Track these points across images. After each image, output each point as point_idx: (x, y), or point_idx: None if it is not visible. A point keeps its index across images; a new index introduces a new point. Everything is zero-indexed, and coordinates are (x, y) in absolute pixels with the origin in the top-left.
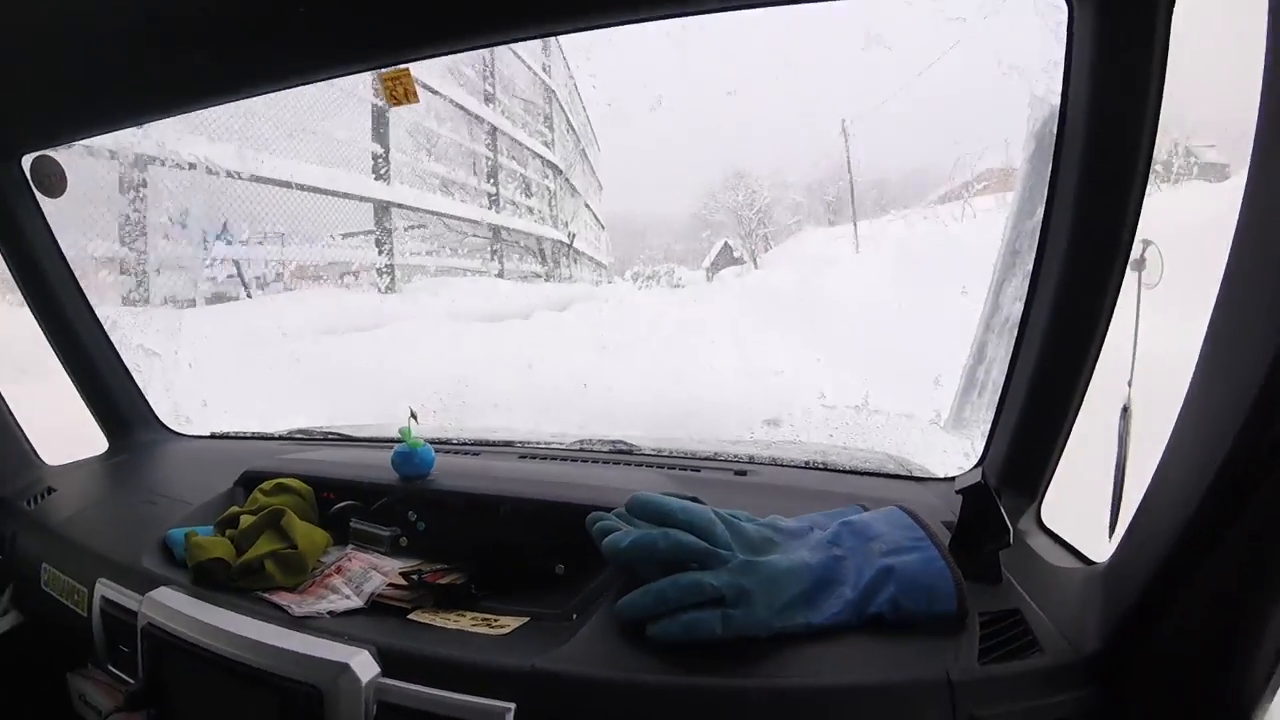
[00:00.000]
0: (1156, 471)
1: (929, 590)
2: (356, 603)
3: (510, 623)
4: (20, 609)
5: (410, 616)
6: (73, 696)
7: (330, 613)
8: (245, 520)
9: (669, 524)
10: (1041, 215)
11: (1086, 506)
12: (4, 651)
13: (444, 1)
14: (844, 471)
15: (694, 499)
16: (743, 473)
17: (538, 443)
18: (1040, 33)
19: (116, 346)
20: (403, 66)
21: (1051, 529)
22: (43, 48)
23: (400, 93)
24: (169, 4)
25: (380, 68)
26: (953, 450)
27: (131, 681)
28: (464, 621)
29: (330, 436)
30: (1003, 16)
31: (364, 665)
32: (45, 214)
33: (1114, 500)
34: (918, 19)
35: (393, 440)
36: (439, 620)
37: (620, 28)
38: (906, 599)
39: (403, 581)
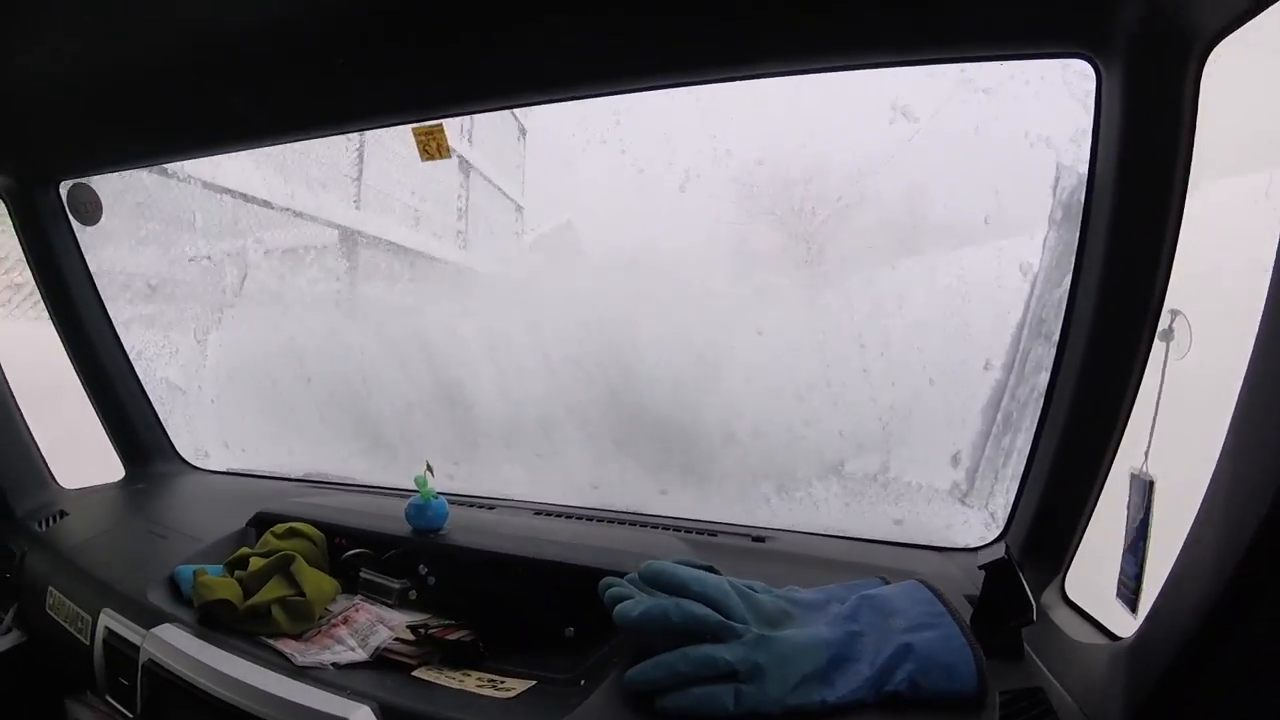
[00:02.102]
0: (1184, 547)
1: (948, 668)
2: (361, 655)
3: (516, 685)
4: (23, 629)
5: (415, 673)
6: None
7: (334, 664)
8: (255, 563)
9: (683, 594)
10: (1068, 285)
11: (1111, 578)
12: (3, 671)
13: (479, 66)
14: (863, 540)
15: (709, 567)
16: (760, 539)
17: (553, 502)
18: (1067, 102)
19: (140, 376)
20: (436, 123)
21: (1076, 602)
22: (89, 80)
23: (433, 148)
24: (213, 50)
25: (415, 122)
26: (973, 521)
27: (130, 715)
28: (469, 681)
29: (346, 484)
30: (1030, 86)
31: None
32: (79, 240)
33: (1137, 573)
34: (944, 91)
35: (406, 490)
36: (444, 679)
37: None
38: (925, 677)
39: (409, 636)
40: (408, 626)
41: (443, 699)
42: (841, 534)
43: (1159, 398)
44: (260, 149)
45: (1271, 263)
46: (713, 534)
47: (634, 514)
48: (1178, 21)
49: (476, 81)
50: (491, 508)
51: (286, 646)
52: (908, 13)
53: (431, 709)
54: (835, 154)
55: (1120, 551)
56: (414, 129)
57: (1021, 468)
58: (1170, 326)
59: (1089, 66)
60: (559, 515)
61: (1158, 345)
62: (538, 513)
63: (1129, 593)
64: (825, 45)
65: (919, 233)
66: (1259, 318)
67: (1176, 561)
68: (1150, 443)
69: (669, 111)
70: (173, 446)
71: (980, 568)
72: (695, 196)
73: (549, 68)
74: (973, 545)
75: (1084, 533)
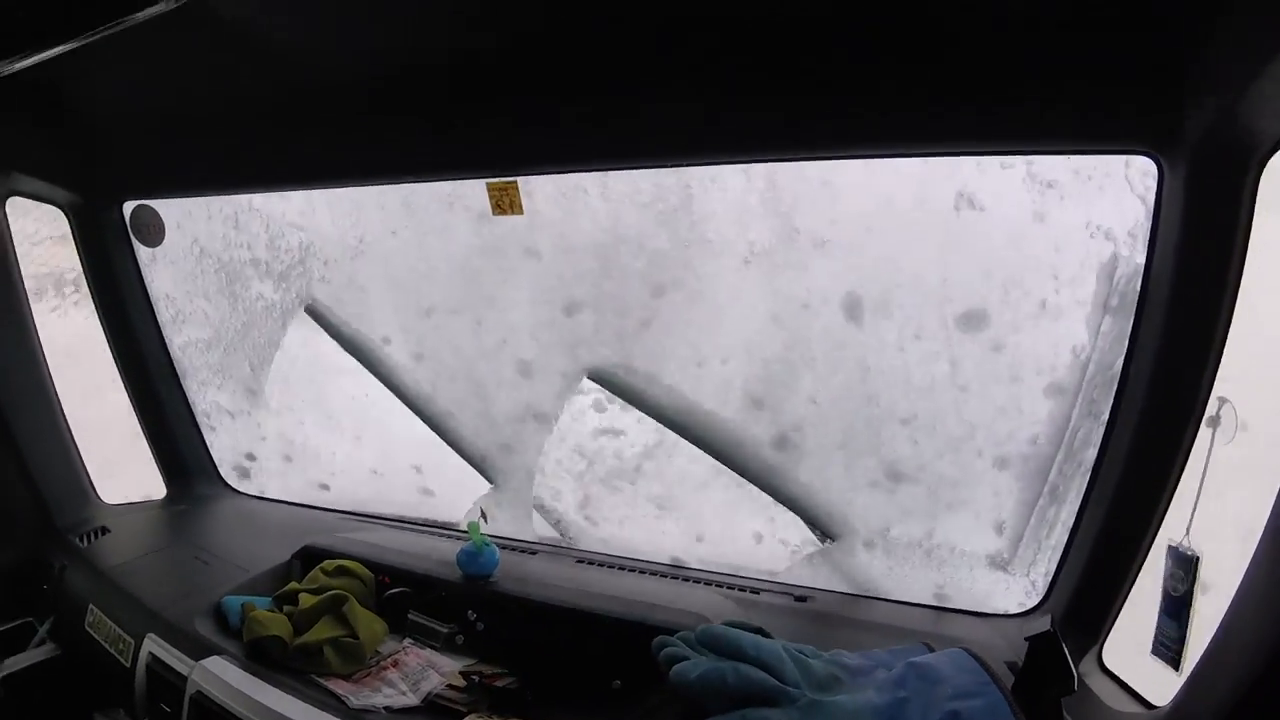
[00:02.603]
0: (1224, 620)
1: None
2: (413, 700)
3: None
4: (58, 642)
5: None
6: None
7: (387, 708)
8: (305, 599)
9: (739, 658)
10: (1119, 367)
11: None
12: (34, 682)
13: (552, 127)
14: (904, 603)
15: (760, 629)
16: (803, 599)
17: (593, 550)
18: (1128, 197)
19: (189, 397)
20: (511, 179)
21: (1113, 671)
22: (172, 111)
23: (506, 203)
24: (301, 100)
25: (489, 178)
26: (1014, 588)
27: None
28: None
29: (390, 519)
30: (1094, 181)
31: None
32: (139, 261)
33: (1180, 637)
34: (1010, 182)
35: (448, 528)
36: None
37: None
38: None
39: (460, 683)
40: (460, 672)
41: None
42: (883, 596)
43: (1203, 478)
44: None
45: None
46: (755, 591)
47: (673, 566)
48: (1241, 130)
49: (553, 144)
50: (534, 553)
51: (338, 687)
52: (981, 105)
53: None
54: (903, 237)
55: (1155, 615)
56: (488, 184)
57: (1064, 538)
58: (1218, 413)
59: (1152, 164)
60: (600, 564)
61: (1204, 430)
62: (579, 560)
63: (1169, 652)
64: (899, 133)
65: (976, 314)
66: None
67: (1215, 635)
68: (1192, 519)
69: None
70: (216, 469)
71: (1025, 639)
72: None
73: (625, 137)
74: (1013, 611)
75: (1123, 604)
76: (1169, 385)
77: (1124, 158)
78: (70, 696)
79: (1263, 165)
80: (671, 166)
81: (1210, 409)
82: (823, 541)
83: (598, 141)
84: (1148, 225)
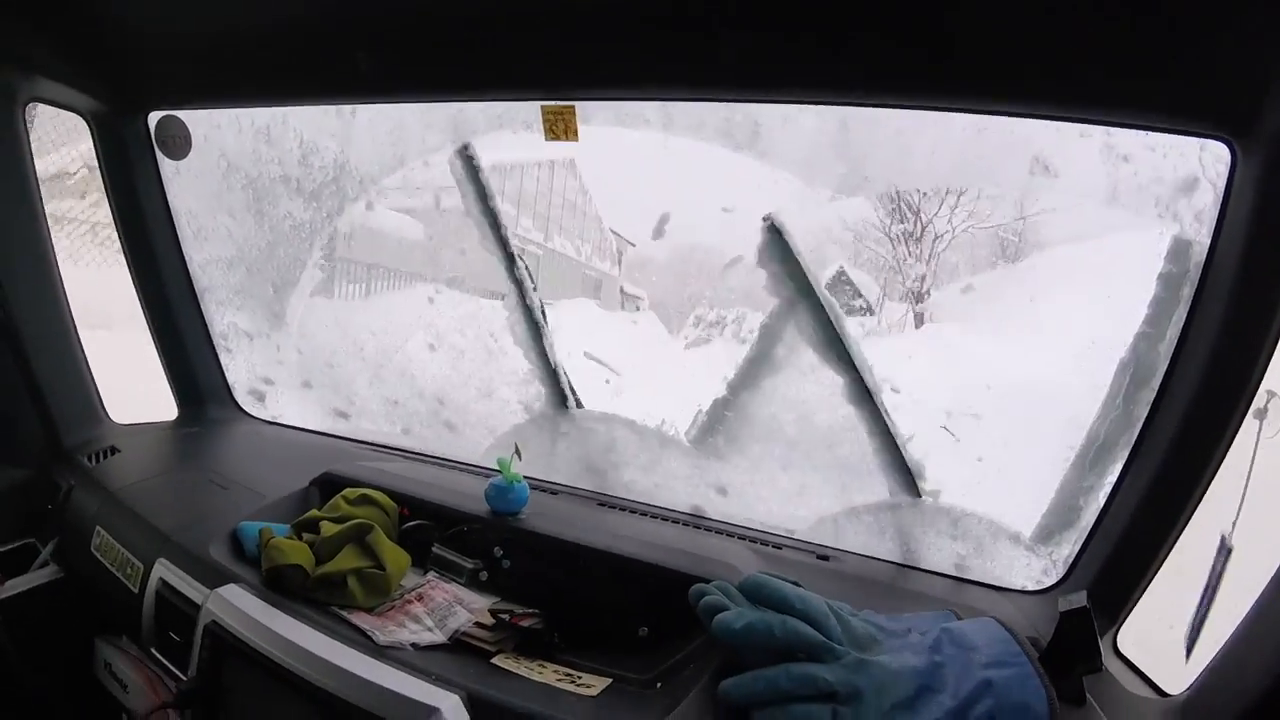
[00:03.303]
0: (1248, 615)
1: (1024, 708)
2: (439, 637)
3: (595, 682)
4: (61, 565)
5: (494, 660)
6: (97, 662)
7: (414, 645)
8: (327, 528)
9: (785, 611)
10: (1165, 350)
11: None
12: (35, 605)
13: (613, 56)
14: (926, 571)
15: (795, 584)
16: (825, 558)
17: (615, 495)
18: (1197, 177)
19: (207, 319)
20: (568, 103)
21: (1127, 656)
22: (204, 18)
23: (560, 129)
24: (344, 7)
25: (544, 100)
26: (1034, 565)
27: (175, 669)
28: (548, 674)
29: (410, 452)
30: (1168, 159)
31: (454, 711)
32: (163, 175)
33: (1193, 633)
34: (1085, 152)
35: (470, 464)
36: (523, 669)
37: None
38: (1003, 714)
39: (489, 620)
40: (490, 610)
41: (527, 691)
42: (902, 561)
43: (1250, 470)
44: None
45: None
46: (778, 546)
47: (697, 516)
48: None
49: (615, 68)
50: (556, 493)
51: (362, 621)
52: (1061, 71)
53: (519, 703)
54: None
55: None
56: (543, 107)
57: (1090, 521)
58: (1265, 406)
59: (1225, 149)
60: (622, 509)
61: (1250, 421)
62: (601, 504)
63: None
64: (976, 88)
65: (1035, 278)
66: None
67: (1238, 629)
68: (1239, 512)
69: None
70: (230, 393)
71: (1061, 613)
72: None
73: (690, 67)
74: (1029, 588)
75: (1145, 590)
76: (1219, 373)
77: (1199, 140)
78: (72, 622)
79: None
80: (738, 101)
81: (1259, 401)
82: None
83: (663, 69)
84: (1215, 211)
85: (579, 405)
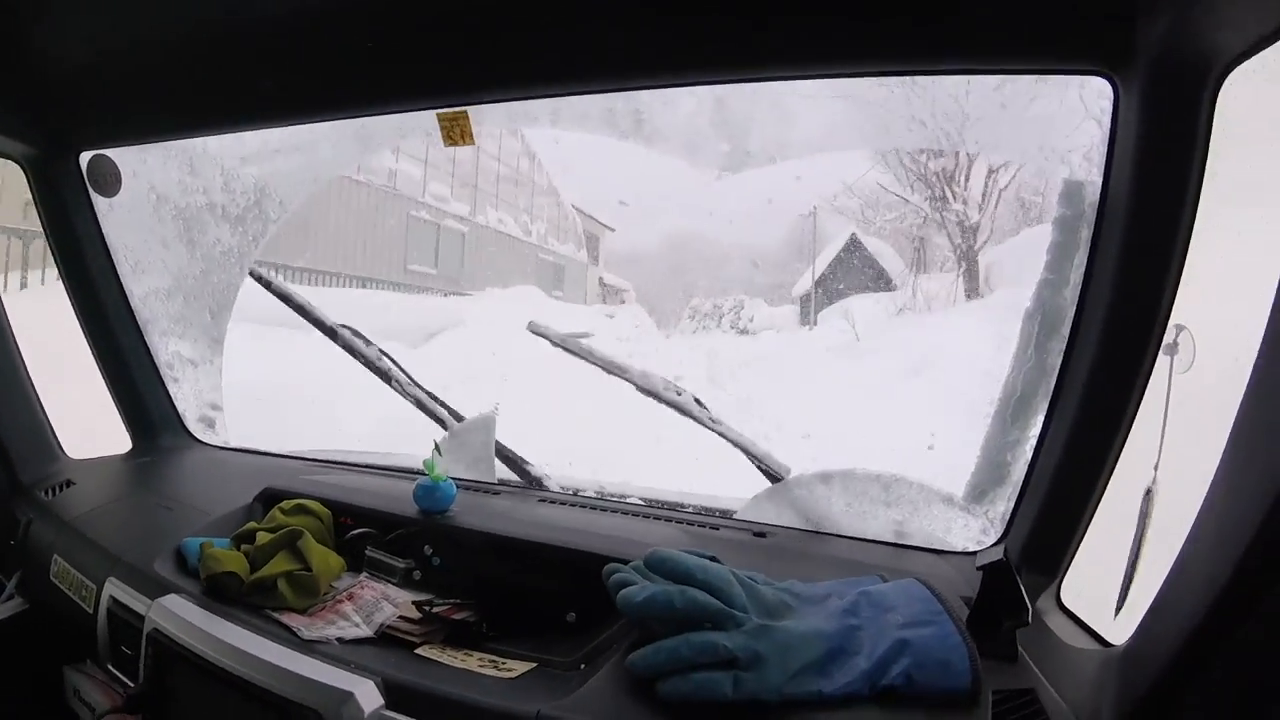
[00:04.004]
0: (1179, 556)
1: (944, 665)
2: (365, 631)
3: (518, 666)
4: (25, 597)
5: (418, 651)
6: (67, 691)
7: (339, 639)
8: (262, 537)
9: (687, 582)
10: (1069, 295)
11: (1106, 587)
12: (3, 638)
13: (502, 54)
14: (862, 540)
15: (712, 558)
16: (761, 534)
17: (559, 489)
18: (1082, 118)
19: (152, 350)
20: (461, 109)
21: (1071, 609)
22: (116, 53)
23: (457, 134)
24: (242, 30)
25: (440, 108)
26: (973, 526)
27: (130, 684)
28: (471, 661)
29: (353, 464)
30: (1046, 101)
31: (368, 695)
32: (97, 212)
33: (1126, 580)
34: (960, 99)
35: (415, 472)
36: (446, 657)
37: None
38: (921, 673)
39: (414, 614)
40: (413, 603)
41: (444, 676)
42: (841, 533)
43: (1166, 410)
44: (281, 128)
45: (1277, 279)
46: (715, 528)
47: (637, 504)
48: (1197, 45)
49: (502, 71)
50: (497, 493)
51: (292, 620)
52: (929, 24)
53: (434, 685)
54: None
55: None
56: (438, 114)
57: (1020, 476)
58: (1175, 340)
59: (1107, 84)
60: (563, 504)
61: (1162, 359)
62: (542, 500)
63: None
64: (845, 52)
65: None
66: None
67: (1171, 570)
68: (1160, 455)
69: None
70: (181, 421)
71: (979, 568)
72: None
73: (576, 61)
74: (970, 549)
75: (1081, 540)
76: (1126, 313)
77: (1079, 79)
78: (39, 652)
79: (1220, 81)
80: (625, 90)
81: (1168, 336)
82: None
83: (550, 65)
84: (1103, 149)
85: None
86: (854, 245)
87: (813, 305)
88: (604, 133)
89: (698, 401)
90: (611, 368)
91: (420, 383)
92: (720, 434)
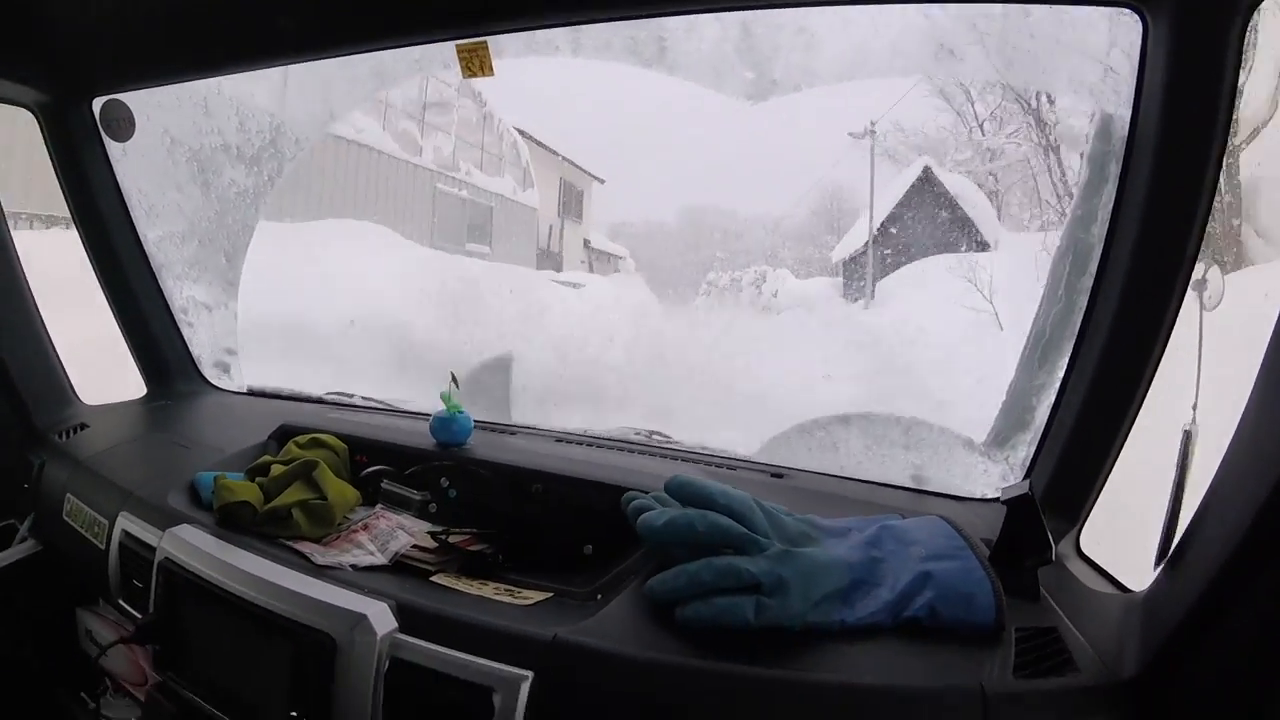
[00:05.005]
0: (1202, 503)
1: (967, 599)
2: (380, 559)
3: (534, 595)
4: (39, 538)
5: (433, 579)
6: (79, 631)
7: (353, 566)
8: (277, 469)
9: (709, 507)
10: (1097, 232)
11: (1128, 535)
12: (17, 580)
13: None
14: (882, 484)
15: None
16: (779, 475)
17: (575, 430)
18: (1113, 51)
19: (166, 295)
20: (480, 39)
21: (1090, 557)
22: None
23: (476, 65)
24: None
25: (458, 38)
26: (993, 472)
27: (137, 615)
28: (487, 589)
29: (370, 404)
30: (1077, 30)
31: (381, 618)
32: (111, 157)
33: (1167, 526)
34: (990, 34)
35: (423, 412)
36: (461, 585)
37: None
38: (944, 605)
39: (430, 544)
40: (429, 533)
41: (459, 602)
42: (860, 477)
43: (1200, 349)
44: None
45: None
46: (731, 468)
47: (654, 444)
48: None
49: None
50: (514, 433)
51: (306, 548)
52: None
53: (448, 609)
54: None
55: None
56: (458, 45)
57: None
58: (1204, 276)
59: (1136, 17)
60: (581, 443)
61: (1191, 296)
62: (559, 439)
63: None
64: None
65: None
66: None
67: (1194, 516)
68: (1197, 395)
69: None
70: (196, 367)
71: (1003, 502)
72: None
73: None
74: (990, 496)
75: (1103, 487)
76: (1154, 249)
77: (1109, 11)
78: (52, 594)
79: (1249, 16)
80: (645, 16)
81: (1197, 272)
82: None
83: None
84: (1133, 84)
85: None
86: (929, 183)
87: (869, 269)
88: (627, 61)
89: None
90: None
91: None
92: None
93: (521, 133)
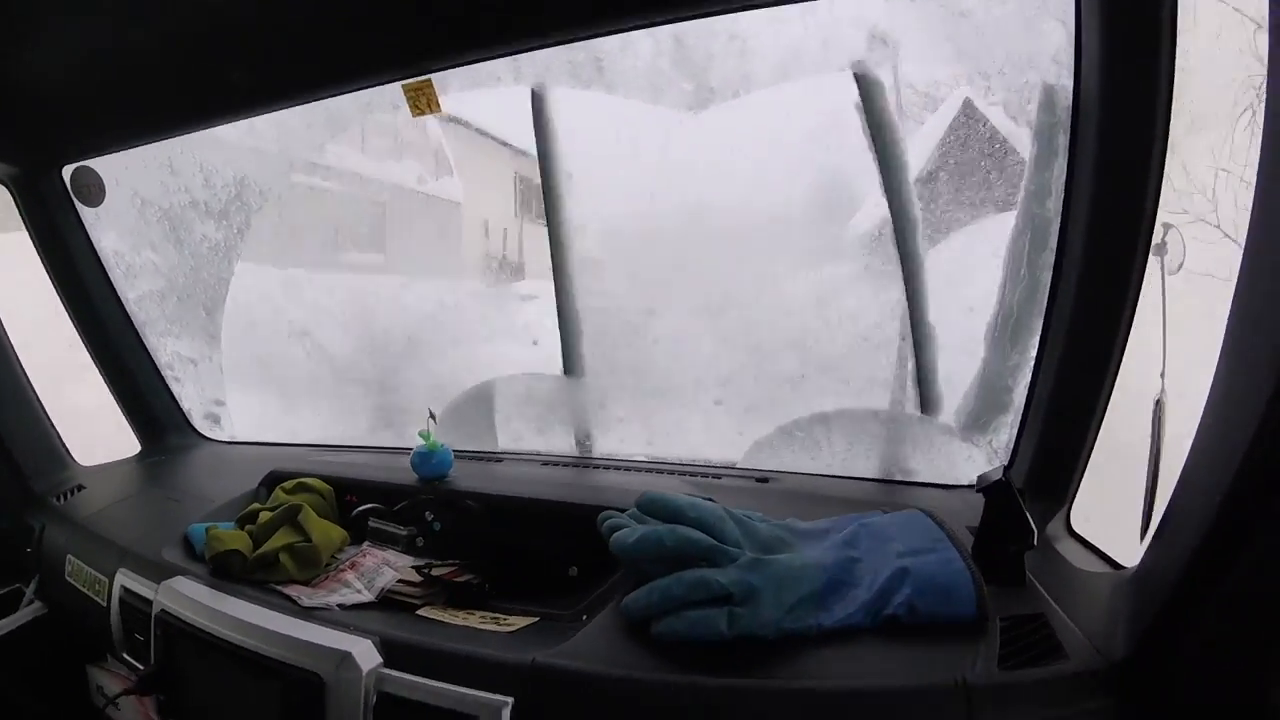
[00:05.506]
0: (1182, 473)
1: (946, 591)
2: (367, 597)
3: (519, 621)
4: (44, 600)
5: (420, 612)
6: (91, 688)
7: (340, 605)
8: (264, 516)
9: (678, 521)
10: (1053, 206)
11: (1117, 510)
12: (27, 641)
13: (458, 16)
14: (868, 480)
15: (707, 499)
16: (764, 479)
17: (559, 453)
18: (1048, 22)
19: (151, 352)
20: (425, 78)
21: (1081, 534)
22: (86, 65)
23: (424, 103)
24: (204, 22)
25: (403, 79)
26: (977, 458)
27: (142, 669)
28: (472, 619)
29: (356, 446)
30: (1008, 6)
31: (365, 654)
32: (85, 222)
33: (1147, 500)
34: (920, 16)
35: (407, 448)
36: (447, 616)
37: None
38: (923, 600)
39: (415, 577)
40: (413, 567)
41: (443, 633)
42: (846, 474)
43: (1164, 315)
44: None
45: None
46: (716, 477)
47: (641, 461)
48: None
49: (461, 33)
50: (499, 460)
51: (294, 591)
52: None
53: (432, 641)
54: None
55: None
56: (404, 85)
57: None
58: (1164, 240)
59: None
60: (565, 465)
61: (1154, 261)
62: (544, 463)
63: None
64: None
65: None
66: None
67: (1176, 488)
68: (1164, 362)
69: None
70: (187, 420)
71: (978, 490)
72: None
73: (529, 15)
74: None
75: (1087, 462)
76: (1111, 217)
77: None
78: (62, 653)
79: None
80: (582, 38)
81: (1156, 236)
82: None
83: (507, 22)
84: (1071, 50)
85: None
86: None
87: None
88: (567, 84)
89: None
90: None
91: None
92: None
93: (456, 120)
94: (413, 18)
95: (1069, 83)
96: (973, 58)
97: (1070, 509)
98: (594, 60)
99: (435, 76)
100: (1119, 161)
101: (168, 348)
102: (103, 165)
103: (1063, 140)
